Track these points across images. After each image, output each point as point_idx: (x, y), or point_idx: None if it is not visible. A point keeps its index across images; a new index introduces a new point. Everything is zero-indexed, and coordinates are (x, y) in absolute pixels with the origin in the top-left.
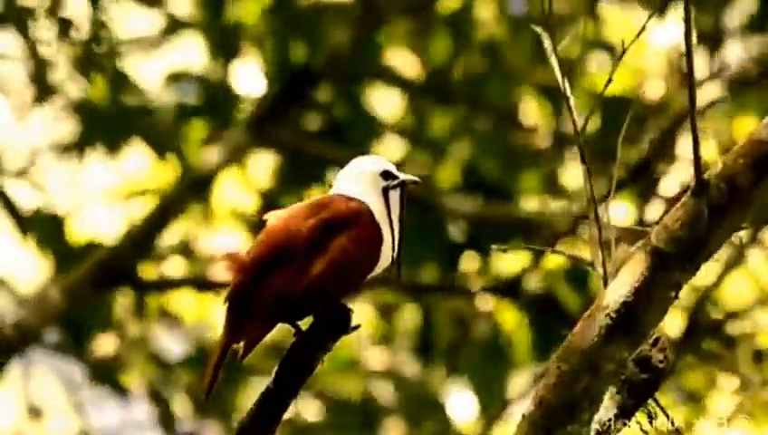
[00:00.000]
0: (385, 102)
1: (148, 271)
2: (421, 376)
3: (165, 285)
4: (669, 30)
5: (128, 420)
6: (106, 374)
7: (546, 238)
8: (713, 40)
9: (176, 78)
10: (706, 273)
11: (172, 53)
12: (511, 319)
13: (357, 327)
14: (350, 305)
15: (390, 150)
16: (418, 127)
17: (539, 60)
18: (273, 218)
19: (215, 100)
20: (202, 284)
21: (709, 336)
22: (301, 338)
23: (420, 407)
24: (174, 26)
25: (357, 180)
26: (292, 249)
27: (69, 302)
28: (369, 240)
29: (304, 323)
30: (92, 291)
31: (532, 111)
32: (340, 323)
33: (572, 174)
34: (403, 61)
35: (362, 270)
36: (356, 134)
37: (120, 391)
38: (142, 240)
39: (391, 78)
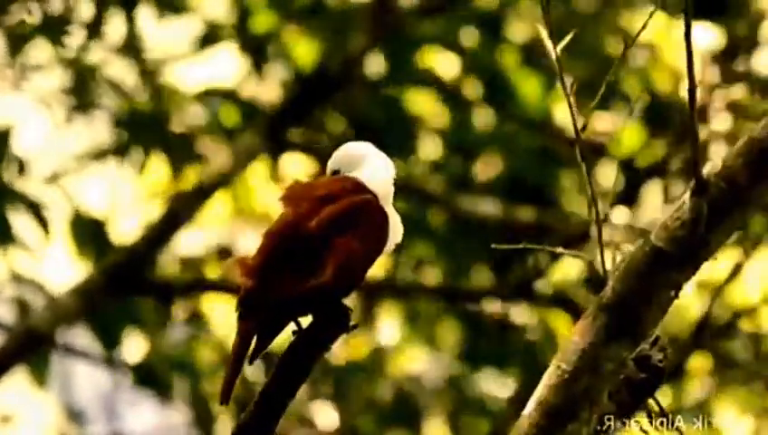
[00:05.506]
0: (420, 104)
1: (165, 274)
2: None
3: (177, 288)
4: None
5: (164, 423)
6: (143, 377)
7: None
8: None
9: (208, 94)
10: (716, 272)
11: (206, 66)
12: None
13: (355, 326)
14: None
15: (426, 153)
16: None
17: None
18: (283, 208)
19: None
20: (214, 287)
21: (720, 337)
22: (300, 337)
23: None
24: (207, 36)
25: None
26: (299, 246)
27: (82, 305)
28: (378, 235)
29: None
30: (105, 294)
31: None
32: (340, 322)
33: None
34: (439, 60)
35: (369, 264)
36: (392, 137)
37: (158, 393)
38: (154, 243)
39: (427, 79)
